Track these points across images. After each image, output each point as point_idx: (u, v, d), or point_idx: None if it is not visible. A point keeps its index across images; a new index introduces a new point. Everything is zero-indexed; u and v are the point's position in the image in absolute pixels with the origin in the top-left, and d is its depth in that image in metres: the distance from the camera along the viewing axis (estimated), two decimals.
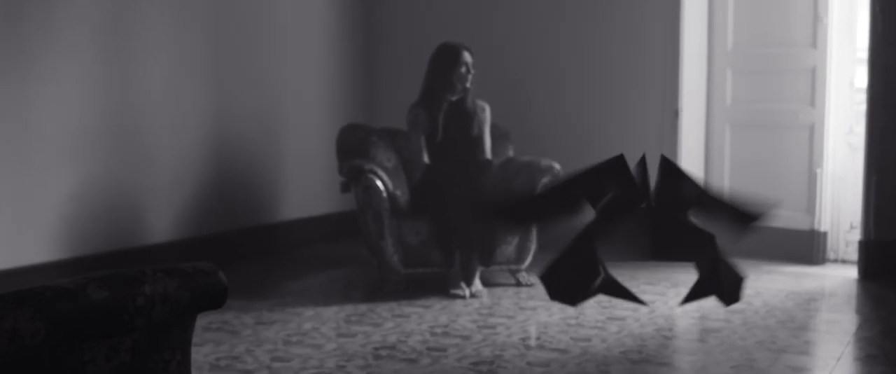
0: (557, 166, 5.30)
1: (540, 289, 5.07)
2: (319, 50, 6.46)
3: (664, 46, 5.97)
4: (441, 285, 5.03)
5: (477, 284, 5.00)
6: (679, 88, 5.95)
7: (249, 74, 5.95)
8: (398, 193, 5.20)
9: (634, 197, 2.40)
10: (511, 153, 5.62)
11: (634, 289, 4.96)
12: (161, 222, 5.42)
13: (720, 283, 2.44)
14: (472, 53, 5.21)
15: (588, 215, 2.43)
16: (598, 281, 2.44)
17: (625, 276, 4.61)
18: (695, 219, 2.44)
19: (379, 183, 5.03)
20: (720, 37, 6.16)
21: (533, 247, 5.21)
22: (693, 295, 2.50)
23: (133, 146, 5.26)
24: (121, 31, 5.17)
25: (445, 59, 5.20)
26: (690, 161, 6.09)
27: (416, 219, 5.07)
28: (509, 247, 5.16)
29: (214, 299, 2.01)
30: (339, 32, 6.60)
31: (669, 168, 2.50)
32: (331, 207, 6.48)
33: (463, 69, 5.16)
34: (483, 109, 5.33)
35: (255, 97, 5.99)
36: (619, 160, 2.41)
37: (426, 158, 5.22)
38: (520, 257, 5.20)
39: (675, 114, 5.96)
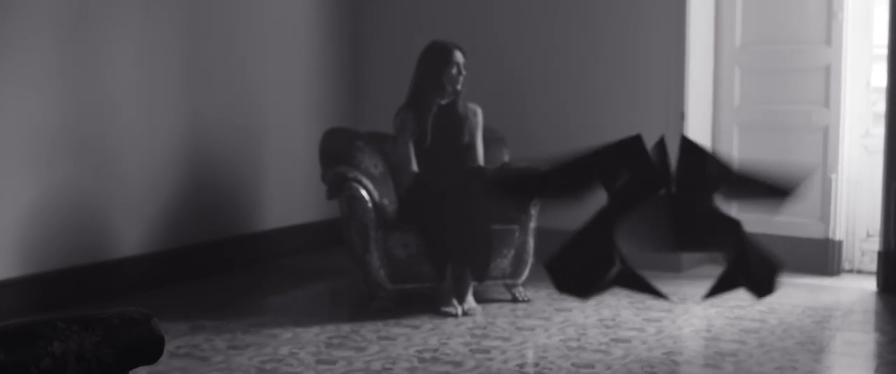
0: None
1: (538, 306, 4.72)
2: (303, 49, 6.13)
3: (668, 44, 5.62)
4: (431, 302, 4.68)
5: (470, 301, 4.65)
6: (685, 89, 5.60)
7: (228, 73, 5.60)
8: (385, 201, 4.85)
9: (653, 181, 2.17)
10: (506, 158, 5.28)
11: (638, 302, 4.66)
12: (131, 234, 5.07)
13: (750, 273, 2.15)
14: (464, 53, 4.86)
15: (599, 198, 2.20)
16: (614, 272, 2.16)
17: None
18: (721, 201, 2.22)
19: (363, 192, 4.67)
20: (728, 33, 5.82)
21: (530, 260, 4.86)
22: (719, 287, 2.21)
23: (99, 152, 4.91)
24: (85, 28, 4.81)
25: (435, 59, 4.86)
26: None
27: (405, 231, 4.71)
28: (505, 260, 4.81)
29: (147, 354, 1.65)
30: (324, 30, 6.25)
31: (691, 147, 2.25)
32: (316, 214, 6.13)
33: (454, 70, 4.81)
34: (475, 113, 4.98)
35: (233, 99, 5.65)
36: (636, 140, 2.18)
37: (414, 166, 4.86)
38: (516, 271, 4.85)
39: (680, 116, 5.60)
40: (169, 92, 5.24)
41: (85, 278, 4.80)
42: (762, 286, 2.24)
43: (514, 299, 4.85)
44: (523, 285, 4.92)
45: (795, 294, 5.08)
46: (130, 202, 5.05)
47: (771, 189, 2.34)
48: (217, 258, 5.50)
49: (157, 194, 5.19)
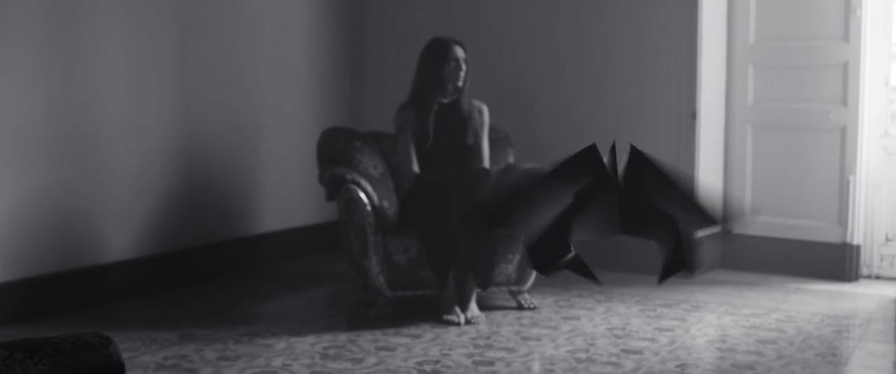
0: None
1: (545, 314, 4.51)
2: (301, 45, 5.92)
3: (680, 40, 5.40)
4: (433, 310, 4.48)
5: (473, 308, 4.44)
6: (697, 87, 5.38)
7: (221, 69, 5.38)
8: (385, 204, 4.64)
9: (605, 180, 2.52)
10: (511, 160, 5.07)
11: (649, 310, 4.42)
12: (119, 238, 4.86)
13: (687, 256, 2.48)
14: (464, 48, 4.64)
15: (566, 200, 2.51)
16: (568, 257, 2.57)
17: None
18: (660, 204, 2.52)
19: (362, 195, 4.46)
20: (741, 29, 5.60)
21: None
22: (666, 273, 2.47)
23: (85, 152, 4.69)
24: (70, 21, 4.60)
25: (433, 56, 4.65)
26: (709, 167, 5.53)
27: (405, 235, 4.50)
28: (509, 266, 4.59)
29: None
30: (322, 26, 6.04)
31: (637, 157, 2.59)
32: (314, 216, 5.92)
33: (453, 66, 4.60)
34: (480, 112, 4.76)
35: (227, 96, 5.43)
36: (592, 150, 2.52)
37: (415, 167, 4.65)
38: (521, 278, 4.64)
39: (692, 115, 5.39)
40: (159, 89, 5.03)
41: (70, 284, 4.60)
42: (693, 264, 2.53)
43: (520, 307, 4.64)
44: (529, 291, 4.71)
45: (813, 302, 4.87)
46: (118, 205, 4.85)
47: (705, 216, 2.57)
48: (210, 263, 5.29)
49: (146, 196, 4.98)
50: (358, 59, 6.31)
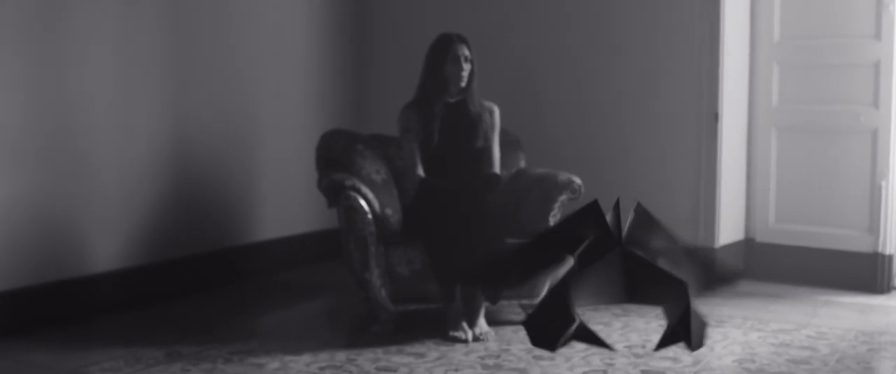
0: (578, 181, 4.44)
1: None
2: (300, 42, 5.64)
3: (701, 38, 5.10)
4: (438, 325, 4.18)
5: (481, 324, 4.15)
6: (719, 88, 5.08)
7: (215, 69, 5.11)
8: (388, 212, 4.36)
9: (608, 242, 2.49)
10: (523, 164, 4.78)
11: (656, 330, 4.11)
12: (106, 248, 4.58)
13: (690, 329, 2.45)
14: (468, 45, 4.35)
15: (567, 264, 2.53)
16: (574, 328, 2.53)
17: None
18: (665, 266, 2.51)
19: (362, 202, 4.17)
20: (765, 26, 5.30)
21: (549, 278, 4.33)
22: (665, 342, 2.52)
23: (70, 157, 4.42)
24: (54, 18, 4.32)
25: (434, 53, 4.38)
26: (731, 172, 5.23)
27: (409, 245, 4.21)
28: None
29: None
30: (324, 22, 5.76)
31: (643, 217, 2.57)
32: (315, 223, 5.65)
33: (455, 64, 4.32)
34: (491, 113, 4.47)
35: (222, 97, 5.15)
36: (594, 206, 2.51)
37: (420, 171, 4.36)
38: (532, 291, 4.33)
39: (714, 118, 5.08)
40: (149, 89, 4.75)
41: (54, 296, 4.33)
42: (698, 341, 2.51)
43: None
44: None
45: (845, 316, 4.56)
46: (106, 212, 4.57)
47: (703, 274, 2.61)
48: (203, 274, 5.01)
49: (135, 203, 4.71)
50: (362, 57, 6.02)
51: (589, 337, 2.58)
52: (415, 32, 5.39)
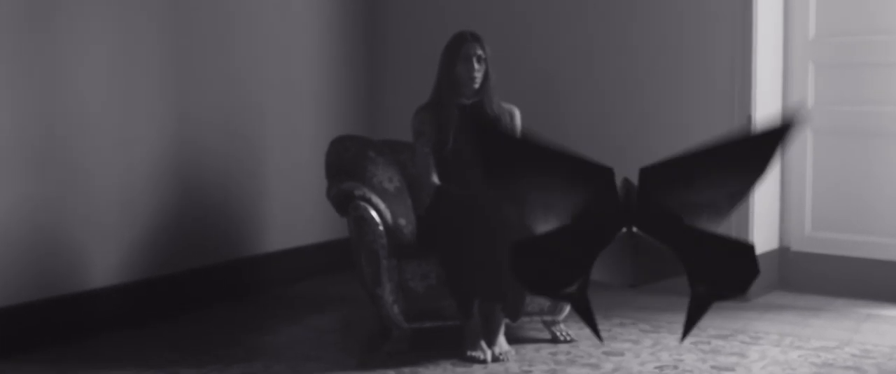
0: None
1: (583, 348, 3.95)
2: (310, 44, 5.39)
3: (732, 36, 4.82)
4: (455, 344, 3.92)
5: (501, 343, 3.89)
6: (752, 89, 4.79)
7: (220, 72, 4.87)
8: (401, 222, 4.10)
9: (616, 221, 2.22)
10: None
11: (703, 343, 3.83)
12: (104, 261, 4.35)
13: (713, 279, 2.15)
14: (483, 43, 4.10)
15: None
16: (572, 289, 2.23)
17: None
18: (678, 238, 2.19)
19: (373, 213, 3.92)
20: (800, 23, 5.02)
21: None
22: (693, 318, 2.19)
23: (65, 166, 4.19)
24: (47, 18, 4.09)
25: (446, 52, 4.14)
26: (765, 179, 4.92)
27: (423, 258, 3.95)
28: None
29: None
30: (334, 21, 5.52)
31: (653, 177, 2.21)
32: (325, 234, 5.41)
33: (468, 64, 4.07)
34: (511, 115, 4.22)
35: (227, 102, 4.92)
36: (609, 173, 2.17)
37: (435, 178, 4.10)
38: (556, 306, 4.08)
39: (747, 119, 4.80)
40: (149, 93, 4.52)
41: (48, 313, 4.09)
42: (733, 286, 2.19)
43: (555, 340, 4.08)
44: (565, 321, 4.14)
45: (891, 332, 4.27)
46: (103, 224, 4.34)
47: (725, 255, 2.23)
48: (207, 289, 4.77)
49: (135, 214, 4.47)
50: (375, 59, 5.77)
51: (584, 313, 2.33)
52: (432, 31, 5.14)
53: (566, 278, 2.26)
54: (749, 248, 2.18)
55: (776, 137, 2.11)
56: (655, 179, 2.28)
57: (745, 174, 2.15)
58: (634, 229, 2.28)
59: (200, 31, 4.74)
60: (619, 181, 2.31)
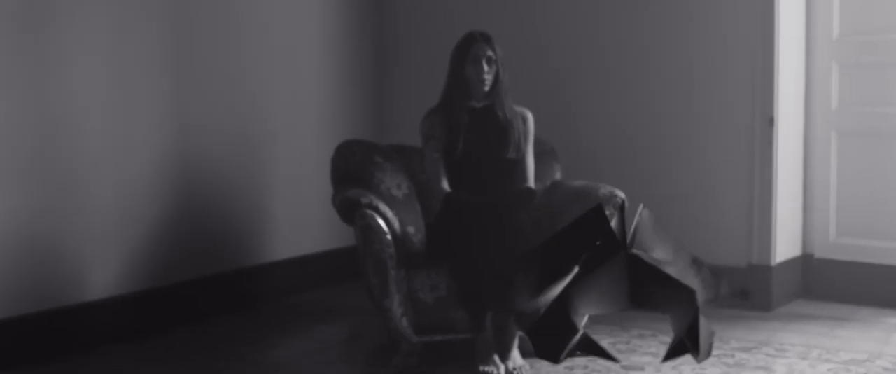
0: (621, 195, 3.98)
1: (601, 363, 3.76)
2: (316, 45, 5.24)
3: (753, 34, 4.64)
4: (467, 358, 3.76)
5: (515, 357, 3.72)
6: (774, 89, 4.61)
7: (222, 75, 4.72)
8: (410, 230, 3.94)
9: (613, 246, 2.47)
10: (558, 176, 4.34)
11: (726, 356, 3.71)
12: (102, 273, 4.19)
13: (698, 339, 2.40)
14: (493, 44, 3.93)
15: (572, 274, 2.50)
16: (577, 338, 2.52)
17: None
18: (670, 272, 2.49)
19: (380, 221, 3.76)
20: (823, 22, 4.84)
21: None
22: (673, 353, 2.48)
23: (61, 174, 4.03)
24: (42, 19, 3.94)
25: (455, 53, 3.98)
26: (787, 182, 4.76)
27: (433, 269, 3.79)
28: None
29: None
30: (341, 24, 5.37)
31: (648, 222, 2.55)
32: (332, 242, 5.25)
33: (476, 65, 3.91)
34: (524, 120, 4.04)
35: (230, 106, 4.76)
36: (598, 211, 2.49)
37: (445, 185, 3.93)
38: None
39: (769, 122, 4.62)
40: (148, 97, 4.37)
41: (43, 327, 3.94)
42: (706, 352, 2.46)
43: (571, 353, 3.89)
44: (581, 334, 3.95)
45: None
46: (101, 233, 4.19)
47: (709, 288, 2.60)
48: (208, 300, 4.62)
49: (133, 223, 4.32)
50: (382, 60, 5.61)
51: (592, 348, 2.69)
52: (441, 31, 4.97)
53: (568, 330, 2.49)
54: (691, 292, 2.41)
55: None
56: (650, 225, 2.56)
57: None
58: (632, 251, 2.46)
59: (202, 32, 4.59)
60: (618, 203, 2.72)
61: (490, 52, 3.91)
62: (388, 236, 3.74)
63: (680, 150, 4.81)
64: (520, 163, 3.98)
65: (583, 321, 2.55)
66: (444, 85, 4.03)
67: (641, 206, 2.66)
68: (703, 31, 4.75)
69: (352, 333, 4.42)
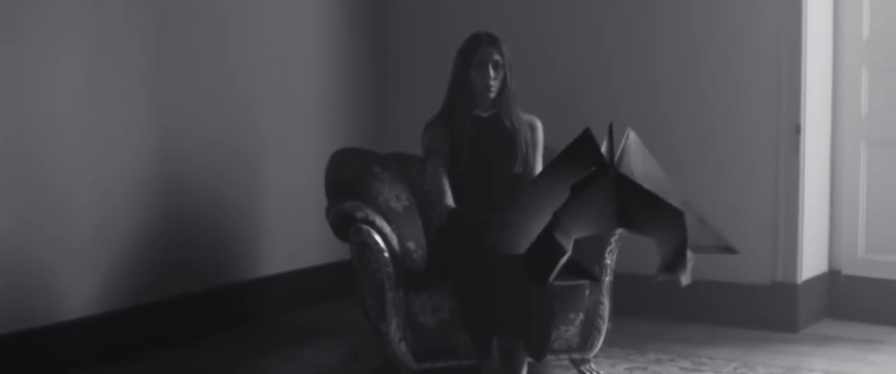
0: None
1: None
2: (312, 46, 5.01)
3: (778, 36, 4.38)
4: None
5: None
6: (801, 95, 4.34)
7: (211, 80, 4.48)
8: (411, 245, 3.67)
9: (600, 167, 2.54)
10: None
11: None
12: (81, 290, 3.96)
13: (684, 261, 2.46)
14: (501, 47, 3.67)
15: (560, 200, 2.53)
16: (564, 259, 2.56)
17: None
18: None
19: (377, 237, 3.48)
20: (852, 22, 4.59)
21: (605, 326, 3.61)
22: (666, 269, 2.48)
23: (36, 186, 3.80)
24: (12, 21, 3.70)
25: (459, 57, 3.73)
26: (814, 194, 4.48)
27: (434, 290, 3.51)
28: (571, 329, 3.57)
29: None
30: (339, 23, 5.14)
31: (637, 146, 2.64)
32: (328, 256, 5.02)
33: (481, 69, 3.65)
34: (533, 128, 3.79)
35: (219, 113, 4.54)
36: (587, 135, 2.58)
37: (449, 199, 3.66)
38: (586, 342, 3.61)
39: (795, 130, 4.35)
40: (131, 108, 4.14)
41: (19, 349, 3.72)
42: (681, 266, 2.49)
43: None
44: (596, 359, 3.68)
45: None
46: (79, 248, 3.96)
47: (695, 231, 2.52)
48: (195, 318, 4.39)
49: (114, 237, 4.09)
50: (383, 64, 5.37)
51: (577, 270, 2.67)
52: (445, 34, 4.69)
53: (555, 253, 2.51)
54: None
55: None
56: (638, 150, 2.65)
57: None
58: (619, 172, 2.53)
59: (188, 36, 4.38)
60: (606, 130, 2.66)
61: (497, 56, 3.64)
62: (386, 254, 3.47)
63: (700, 160, 4.52)
64: (528, 175, 3.71)
65: (570, 243, 2.56)
66: (446, 92, 3.76)
67: (629, 129, 2.72)
68: (724, 34, 4.49)
69: (349, 354, 4.18)
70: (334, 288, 5.02)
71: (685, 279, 2.55)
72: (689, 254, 2.54)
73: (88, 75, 3.96)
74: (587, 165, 2.57)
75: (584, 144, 2.59)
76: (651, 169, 2.69)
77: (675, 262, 2.48)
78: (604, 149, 2.64)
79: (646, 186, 2.54)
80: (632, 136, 2.71)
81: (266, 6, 4.72)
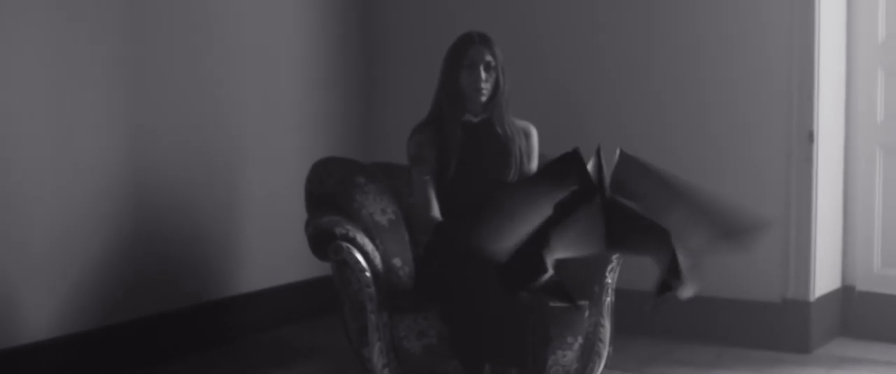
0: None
1: None
2: (295, 48, 4.87)
3: (789, 39, 4.22)
4: None
5: None
6: (814, 100, 4.19)
7: (186, 85, 4.33)
8: (396, 262, 3.45)
9: (589, 190, 2.55)
10: None
11: None
12: (44, 311, 3.78)
13: (680, 275, 2.44)
14: (493, 48, 3.48)
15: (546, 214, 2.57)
16: (545, 278, 2.59)
17: None
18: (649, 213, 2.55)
19: (358, 256, 3.26)
20: (867, 23, 4.46)
21: (605, 350, 3.39)
22: (660, 291, 2.49)
23: None
24: None
25: (449, 58, 3.54)
26: (827, 205, 4.29)
27: (420, 312, 3.31)
28: (569, 354, 3.35)
29: None
30: (324, 23, 4.99)
31: (627, 162, 2.62)
32: (311, 271, 4.82)
33: (472, 71, 3.46)
34: (527, 135, 3.61)
35: (194, 119, 4.39)
36: (575, 155, 2.57)
37: (436, 212, 3.47)
38: (585, 369, 3.41)
39: (808, 137, 4.20)
40: (98, 110, 3.97)
41: None
42: (694, 282, 2.50)
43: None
44: None
45: None
46: (41, 266, 3.78)
47: (719, 226, 2.57)
48: (169, 339, 4.23)
49: (80, 254, 3.92)
50: (370, 67, 5.23)
51: (558, 292, 2.66)
52: (439, 32, 4.51)
53: (537, 268, 2.53)
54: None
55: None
56: (630, 164, 2.65)
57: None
58: (607, 194, 2.54)
59: (161, 37, 4.22)
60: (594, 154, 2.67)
61: (489, 57, 3.45)
62: (367, 274, 3.25)
63: (705, 170, 4.33)
64: None
65: (553, 263, 2.60)
66: (434, 96, 3.57)
67: (619, 149, 2.73)
68: (734, 35, 4.34)
69: None
70: (318, 305, 4.86)
71: (685, 292, 2.52)
72: (689, 263, 2.51)
73: (51, 75, 3.79)
74: (570, 185, 2.59)
75: (571, 164, 2.59)
76: (652, 178, 2.68)
77: (669, 278, 2.49)
78: (592, 169, 2.65)
79: (647, 198, 2.56)
80: (623, 156, 2.73)
81: (245, 11, 4.57)
